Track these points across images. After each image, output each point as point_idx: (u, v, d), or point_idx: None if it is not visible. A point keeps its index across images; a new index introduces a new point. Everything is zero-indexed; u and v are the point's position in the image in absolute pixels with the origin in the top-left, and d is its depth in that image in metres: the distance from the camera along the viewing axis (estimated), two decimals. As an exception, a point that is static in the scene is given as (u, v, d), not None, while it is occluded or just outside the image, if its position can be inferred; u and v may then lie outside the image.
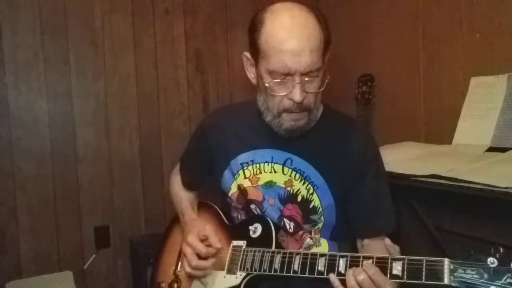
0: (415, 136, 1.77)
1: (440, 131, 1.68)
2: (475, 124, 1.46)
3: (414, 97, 1.83)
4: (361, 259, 1.00)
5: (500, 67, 1.46)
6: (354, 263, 1.01)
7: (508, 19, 1.45)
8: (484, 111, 1.45)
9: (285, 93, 1.10)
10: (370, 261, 0.99)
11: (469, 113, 1.50)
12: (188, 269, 1.21)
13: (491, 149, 1.37)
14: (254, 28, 1.13)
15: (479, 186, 1.13)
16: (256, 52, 1.14)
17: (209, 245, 1.20)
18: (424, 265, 0.92)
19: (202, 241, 1.21)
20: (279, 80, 1.10)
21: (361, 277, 0.95)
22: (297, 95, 1.08)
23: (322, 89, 1.14)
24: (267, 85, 1.12)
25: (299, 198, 1.22)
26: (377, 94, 1.96)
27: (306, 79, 1.09)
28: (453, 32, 1.65)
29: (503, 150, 1.33)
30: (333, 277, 1.01)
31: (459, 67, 1.62)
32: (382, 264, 0.97)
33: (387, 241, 1.02)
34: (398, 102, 1.92)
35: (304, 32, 1.07)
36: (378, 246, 1.19)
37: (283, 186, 1.23)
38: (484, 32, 1.53)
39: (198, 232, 1.22)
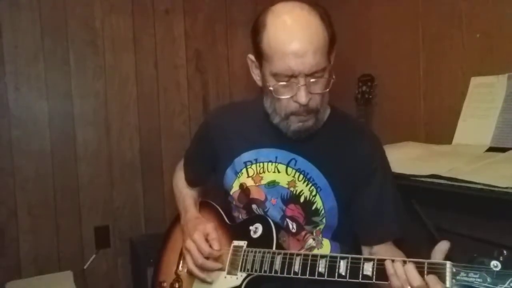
0: (415, 136, 1.76)
1: (440, 131, 1.67)
2: (475, 124, 1.46)
3: (414, 97, 1.83)
4: (362, 261, 1.00)
5: (500, 67, 1.45)
6: (354, 264, 1.00)
7: (508, 19, 1.45)
8: (484, 111, 1.45)
9: (290, 96, 1.09)
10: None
11: (469, 113, 1.50)
12: (192, 267, 1.21)
13: (491, 149, 1.36)
14: (256, 31, 1.12)
15: (479, 186, 1.13)
16: (259, 55, 1.13)
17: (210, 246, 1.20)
18: (425, 267, 0.91)
19: (206, 240, 1.20)
20: (284, 82, 1.09)
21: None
22: (302, 97, 1.07)
23: (328, 89, 1.12)
24: (271, 88, 1.11)
25: (301, 199, 1.21)
26: (377, 94, 1.96)
27: (312, 80, 1.07)
28: (453, 32, 1.64)
29: (503, 150, 1.32)
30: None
31: (459, 67, 1.62)
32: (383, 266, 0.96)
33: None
34: (398, 102, 1.92)
35: (307, 32, 1.05)
36: (387, 253, 1.14)
37: (286, 186, 1.22)
38: (484, 32, 1.53)
39: (204, 230, 1.22)
